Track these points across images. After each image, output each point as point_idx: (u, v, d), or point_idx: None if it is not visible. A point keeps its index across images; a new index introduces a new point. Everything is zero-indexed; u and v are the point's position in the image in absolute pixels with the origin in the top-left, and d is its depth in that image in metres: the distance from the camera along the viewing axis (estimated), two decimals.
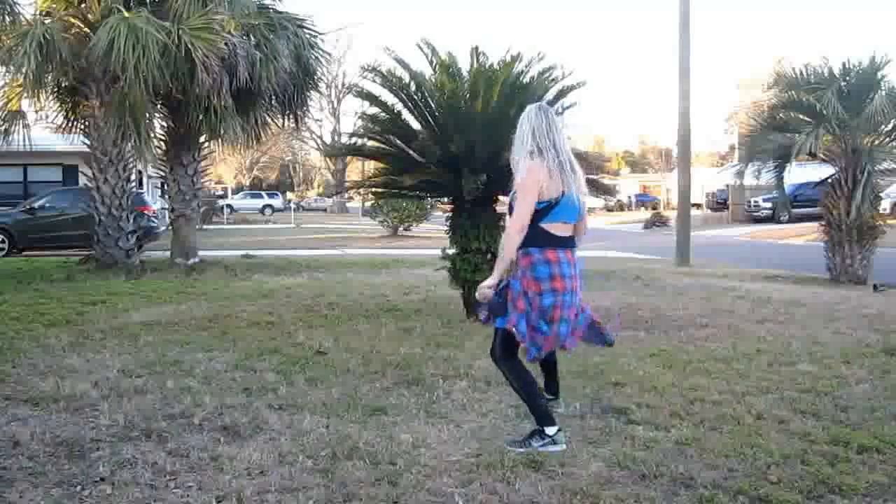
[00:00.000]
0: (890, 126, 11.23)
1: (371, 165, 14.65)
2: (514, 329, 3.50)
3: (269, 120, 13.21)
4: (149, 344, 5.79)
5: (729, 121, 58.97)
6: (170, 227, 13.21)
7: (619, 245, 20.66)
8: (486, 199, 7.09)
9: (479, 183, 6.63)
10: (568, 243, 3.58)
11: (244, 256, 14.33)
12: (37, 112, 11.77)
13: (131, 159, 11.59)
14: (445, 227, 7.88)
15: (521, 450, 3.43)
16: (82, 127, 11.96)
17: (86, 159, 12.11)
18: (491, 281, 3.57)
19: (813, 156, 11.34)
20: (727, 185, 33.08)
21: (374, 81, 7.51)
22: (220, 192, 51.09)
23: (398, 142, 7.58)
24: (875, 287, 10.09)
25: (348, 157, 32.96)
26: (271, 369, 4.98)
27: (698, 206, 34.19)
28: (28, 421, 3.87)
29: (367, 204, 29.02)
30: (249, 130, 12.42)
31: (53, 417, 3.93)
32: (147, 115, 10.84)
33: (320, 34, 12.80)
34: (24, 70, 9.83)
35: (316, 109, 40.36)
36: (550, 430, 3.49)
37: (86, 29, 10.79)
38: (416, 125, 7.62)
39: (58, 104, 12.02)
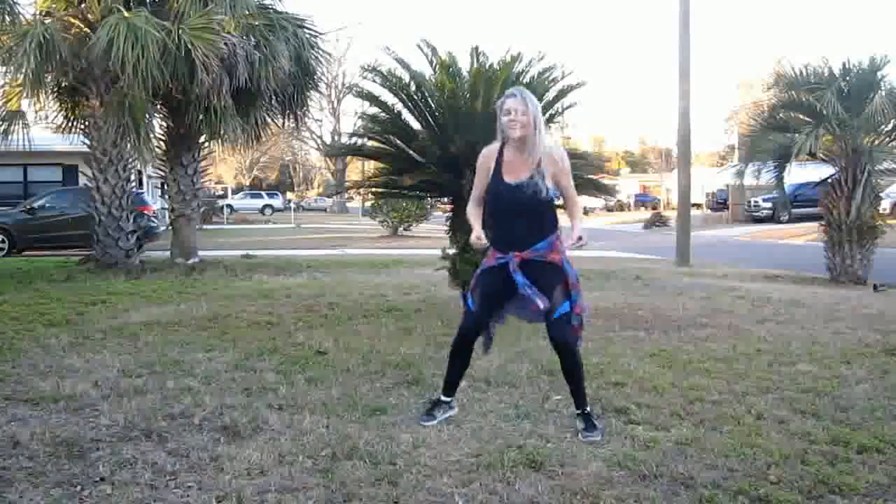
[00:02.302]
0: (890, 126, 11.23)
1: (371, 165, 14.65)
2: (582, 312, 3.72)
3: (269, 120, 13.20)
4: (149, 344, 5.79)
5: (729, 121, 59.01)
6: (170, 227, 13.21)
7: (619, 245, 20.66)
8: None
9: None
10: None
11: (244, 256, 14.33)
12: (37, 112, 11.77)
13: (131, 159, 11.58)
14: (445, 227, 7.88)
15: (600, 437, 3.60)
16: (82, 127, 11.94)
17: (86, 159, 12.10)
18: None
19: (813, 156, 11.35)
20: (727, 185, 33.10)
21: (374, 81, 7.52)
22: (220, 192, 51.14)
23: (398, 142, 7.58)
24: (875, 287, 10.09)
25: (348, 157, 33.04)
26: (271, 369, 4.97)
27: (698, 206, 34.20)
28: (28, 421, 3.86)
29: (367, 204, 29.02)
30: (249, 130, 12.41)
31: (53, 417, 3.93)
32: (147, 115, 10.83)
33: (320, 34, 12.80)
34: (24, 70, 9.82)
35: (316, 109, 40.25)
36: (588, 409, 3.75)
37: (86, 29, 10.78)
38: (416, 125, 7.62)
39: (58, 104, 12.00)
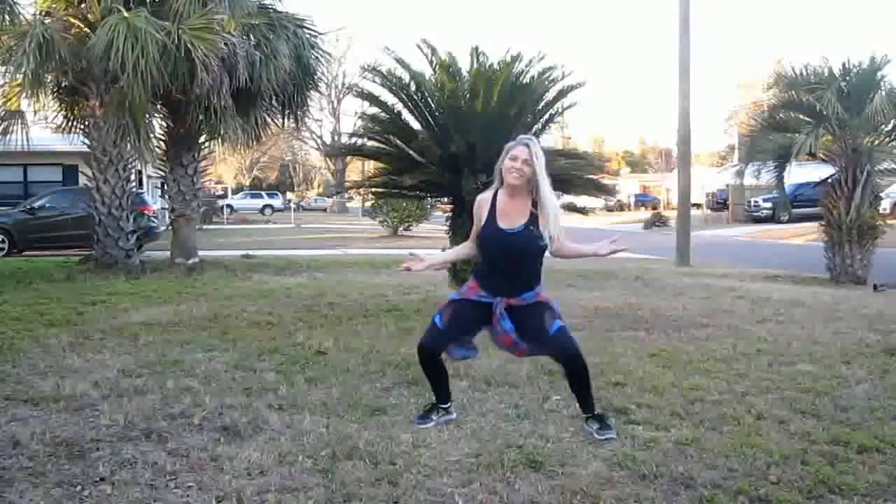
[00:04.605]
0: (890, 126, 11.23)
1: (371, 165, 14.66)
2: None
3: (269, 120, 13.17)
4: (149, 344, 5.79)
5: (729, 121, 59.04)
6: (170, 227, 13.21)
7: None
8: None
9: (480, 183, 6.64)
10: None
11: (244, 256, 14.33)
12: (36, 112, 11.76)
13: (131, 159, 11.58)
14: (445, 227, 7.88)
15: (613, 434, 3.63)
16: (82, 127, 11.94)
17: (86, 159, 12.10)
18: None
19: (813, 156, 11.35)
20: (727, 185, 33.12)
21: (374, 81, 7.53)
22: (220, 192, 51.14)
23: (398, 142, 7.58)
24: (875, 287, 10.09)
25: (348, 157, 33.03)
26: (271, 369, 4.97)
27: (698, 206, 34.19)
28: (28, 421, 3.86)
29: (368, 204, 29.02)
30: (249, 130, 12.39)
31: (53, 417, 3.93)
32: (147, 115, 10.82)
33: (320, 34, 12.79)
34: (23, 70, 9.81)
35: (316, 109, 40.37)
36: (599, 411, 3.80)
37: (86, 29, 10.78)
38: (416, 125, 7.63)
39: (57, 104, 12.00)
